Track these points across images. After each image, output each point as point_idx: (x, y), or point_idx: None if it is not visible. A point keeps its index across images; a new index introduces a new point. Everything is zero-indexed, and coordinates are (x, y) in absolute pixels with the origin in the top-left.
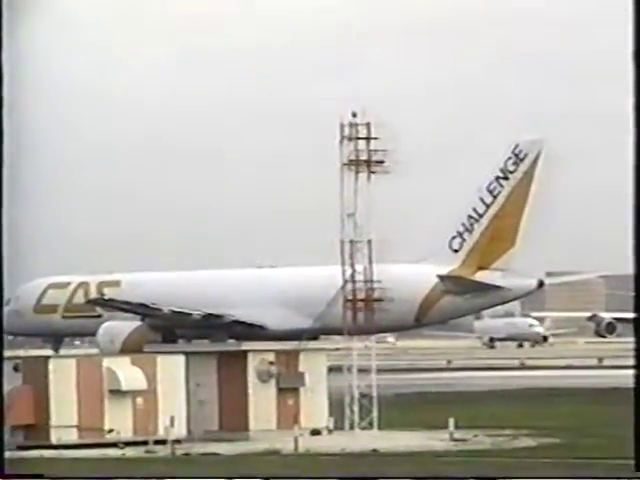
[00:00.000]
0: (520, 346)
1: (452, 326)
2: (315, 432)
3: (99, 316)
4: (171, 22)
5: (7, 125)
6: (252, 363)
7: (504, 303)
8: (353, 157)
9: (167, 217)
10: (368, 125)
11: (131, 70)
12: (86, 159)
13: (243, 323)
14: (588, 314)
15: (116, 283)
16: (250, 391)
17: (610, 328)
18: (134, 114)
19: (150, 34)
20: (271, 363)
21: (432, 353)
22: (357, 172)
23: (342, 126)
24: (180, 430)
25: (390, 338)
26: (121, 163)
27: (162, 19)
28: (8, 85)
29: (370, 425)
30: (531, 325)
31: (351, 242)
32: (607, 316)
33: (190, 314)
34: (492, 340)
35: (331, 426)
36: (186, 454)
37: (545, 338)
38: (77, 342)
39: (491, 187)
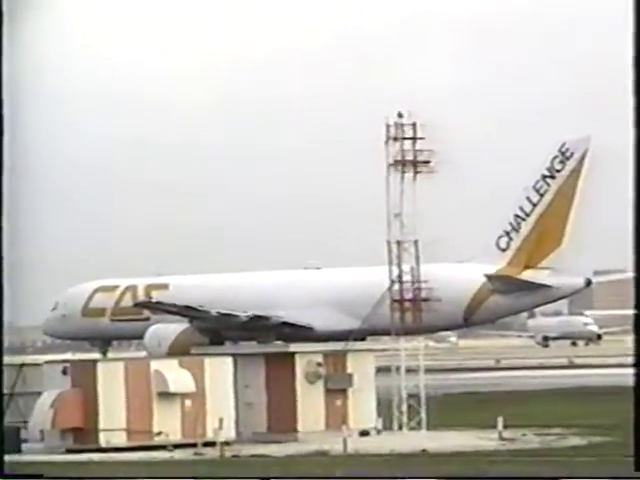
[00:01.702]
0: (574, 344)
1: (506, 325)
2: (364, 433)
3: (147, 319)
4: (171, 23)
5: (7, 125)
6: (300, 364)
7: (552, 302)
8: (399, 157)
9: (206, 217)
10: (414, 125)
11: (131, 71)
12: (86, 159)
13: (290, 324)
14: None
15: (164, 286)
16: (298, 392)
17: None
18: (135, 114)
19: (150, 35)
20: (319, 364)
21: (483, 352)
22: (403, 172)
23: (388, 126)
24: (229, 432)
25: (452, 338)
26: (121, 163)
27: (162, 20)
28: (8, 85)
29: (418, 425)
30: (585, 323)
31: (398, 242)
32: None
33: (237, 316)
34: (546, 339)
35: (379, 427)
36: (235, 456)
37: (599, 336)
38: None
39: (538, 186)
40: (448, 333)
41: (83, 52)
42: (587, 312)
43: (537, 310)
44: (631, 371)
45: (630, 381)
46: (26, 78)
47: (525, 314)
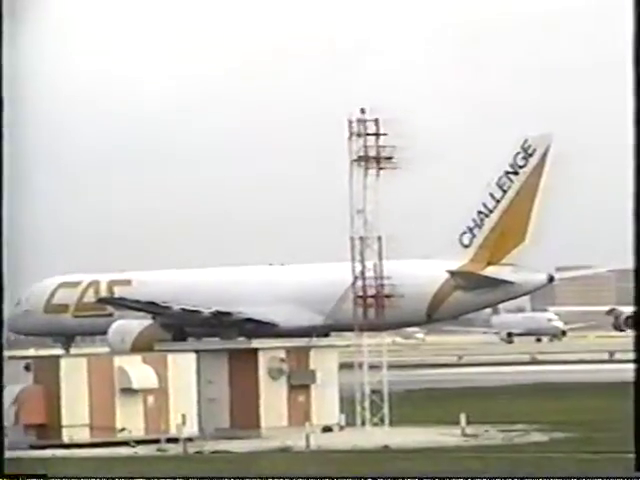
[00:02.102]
0: (538, 340)
1: (472, 321)
2: (326, 429)
3: (110, 315)
4: (172, 23)
5: (7, 124)
6: (263, 360)
7: (514, 298)
8: (362, 153)
9: (179, 217)
10: (377, 121)
11: (131, 71)
12: (86, 159)
13: (253, 320)
14: (606, 308)
15: (127, 282)
16: (261, 388)
17: (629, 322)
18: (135, 114)
19: (150, 36)
20: (282, 360)
21: (445, 349)
22: (366, 168)
23: (350, 122)
24: (192, 428)
25: (419, 334)
26: (121, 163)
27: (162, 20)
28: (8, 85)
29: (381, 421)
30: (549, 319)
31: (361, 238)
32: (626, 310)
33: (200, 312)
34: (510, 335)
35: (342, 423)
36: (198, 452)
37: (564, 332)
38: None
39: (501, 182)
40: (415, 329)
41: (83, 52)
42: (551, 308)
43: (501, 306)
44: (593, 367)
45: (592, 377)
46: (26, 78)
47: (489, 310)
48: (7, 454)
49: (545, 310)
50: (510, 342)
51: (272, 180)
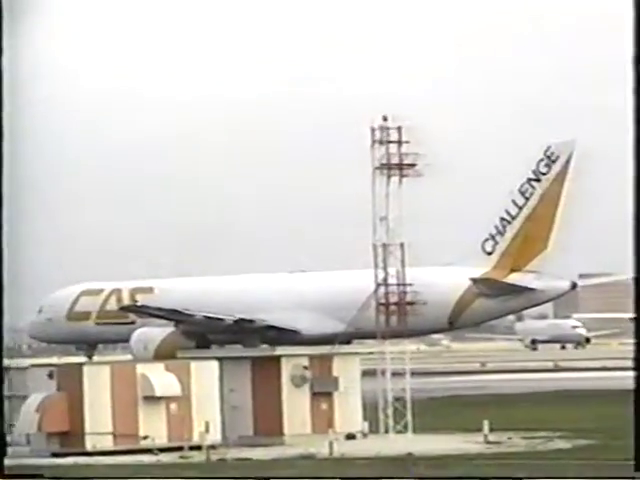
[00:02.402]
0: (563, 348)
1: (497, 328)
2: (350, 436)
3: (132, 323)
4: (172, 24)
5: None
6: (286, 368)
7: (537, 305)
8: (385, 161)
9: (195, 226)
10: (399, 129)
11: (131, 71)
12: (86, 159)
13: (276, 328)
14: (630, 315)
15: (149, 290)
16: (284, 396)
17: None
18: (135, 113)
19: (150, 35)
20: (305, 368)
21: (473, 355)
22: (389, 176)
23: (373, 130)
24: (215, 436)
25: (444, 341)
26: (121, 161)
27: (162, 20)
28: (8, 85)
29: (405, 429)
30: (574, 326)
31: (383, 246)
32: None
33: (223, 319)
34: (534, 342)
35: (366, 430)
36: (221, 460)
37: (588, 340)
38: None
39: (523, 189)
40: (440, 337)
41: (82, 52)
42: (574, 315)
43: (525, 313)
44: (615, 374)
45: (615, 384)
46: (25, 79)
47: (513, 317)
48: (29, 461)
49: (569, 317)
50: (534, 349)
51: (294, 187)
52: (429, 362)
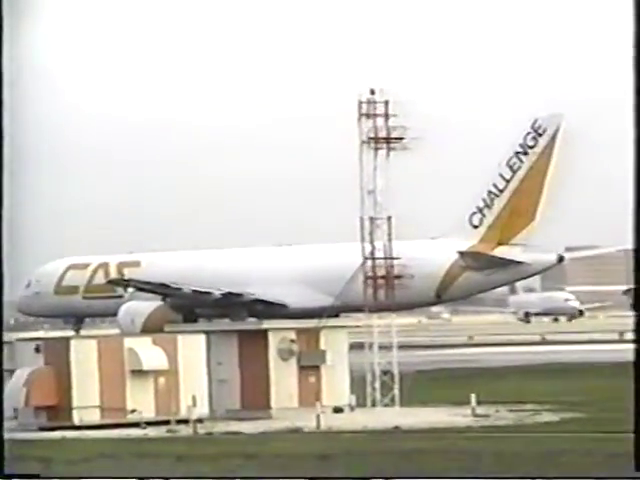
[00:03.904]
0: (556, 320)
1: (500, 301)
2: (337, 410)
3: (120, 296)
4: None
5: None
6: (273, 341)
7: (524, 278)
8: (372, 134)
9: (183, 196)
10: (386, 103)
11: (132, 70)
12: (87, 158)
13: (263, 301)
14: (620, 287)
15: (136, 263)
16: (271, 369)
17: None
18: (134, 112)
19: (151, 34)
20: (292, 341)
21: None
22: (376, 149)
23: (360, 103)
24: (202, 409)
25: (445, 314)
26: (121, 161)
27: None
28: (8, 85)
29: (392, 402)
30: (567, 299)
31: (371, 219)
32: None
33: (210, 293)
34: (527, 315)
35: (353, 403)
36: (208, 433)
37: (581, 312)
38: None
39: (511, 162)
40: (440, 310)
41: (82, 54)
42: (568, 288)
43: (519, 286)
44: (602, 347)
45: (603, 357)
46: (25, 79)
47: (507, 290)
48: (15, 435)
49: (562, 289)
50: (527, 322)
51: (282, 161)
52: (424, 335)
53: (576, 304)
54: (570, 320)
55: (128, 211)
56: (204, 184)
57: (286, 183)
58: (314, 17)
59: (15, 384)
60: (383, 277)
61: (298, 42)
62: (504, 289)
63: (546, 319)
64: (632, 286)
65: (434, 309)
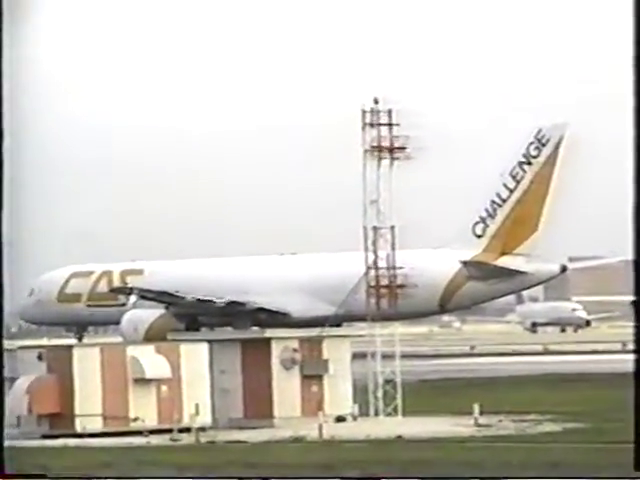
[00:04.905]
0: (563, 331)
1: (496, 311)
2: (340, 419)
3: (123, 305)
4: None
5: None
6: (276, 350)
7: (527, 288)
8: (375, 144)
9: (190, 205)
10: (390, 112)
11: (133, 69)
12: (87, 157)
13: (266, 310)
14: (627, 298)
15: (139, 271)
16: (274, 378)
17: None
18: (134, 111)
19: (152, 34)
20: (295, 350)
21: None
22: (379, 159)
23: (364, 112)
24: (205, 418)
25: (456, 323)
26: (121, 160)
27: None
28: (8, 85)
29: (395, 411)
30: (574, 309)
31: (374, 228)
32: None
33: (213, 302)
34: (534, 325)
35: (356, 413)
36: (211, 442)
37: (588, 322)
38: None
39: (514, 172)
40: (452, 319)
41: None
42: (574, 298)
43: (525, 296)
44: (604, 358)
45: (605, 368)
46: (26, 78)
47: (514, 300)
48: (17, 443)
49: (569, 300)
50: (534, 332)
51: (285, 170)
52: (431, 345)
53: (583, 314)
54: (576, 330)
55: (130, 218)
56: (202, 193)
57: (289, 191)
58: (316, 26)
59: (17, 392)
60: (386, 286)
61: (301, 50)
62: (511, 298)
63: (550, 329)
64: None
65: (445, 318)
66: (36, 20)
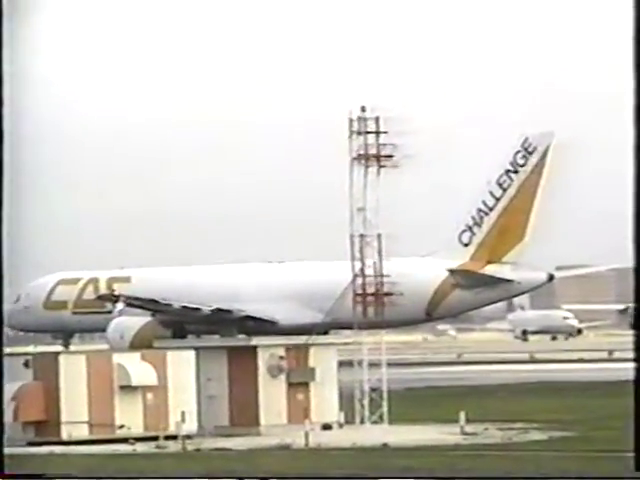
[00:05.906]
0: (554, 339)
1: (488, 320)
2: (326, 427)
3: (109, 312)
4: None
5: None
6: (262, 358)
7: (514, 297)
8: (362, 151)
9: (176, 215)
10: (377, 119)
11: (133, 69)
12: (87, 157)
13: (253, 318)
14: (617, 306)
15: (126, 279)
16: (260, 386)
17: None
18: (134, 111)
19: (152, 33)
20: (281, 358)
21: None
22: (366, 166)
23: (351, 120)
24: (191, 425)
25: (452, 331)
26: (122, 159)
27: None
28: (8, 85)
29: (381, 419)
30: (565, 317)
31: (361, 236)
32: None
33: (200, 309)
34: (525, 333)
35: (342, 420)
36: (197, 449)
37: (579, 331)
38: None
39: (501, 180)
40: (446, 327)
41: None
42: (564, 306)
43: (516, 303)
44: (590, 366)
45: (590, 376)
46: (26, 78)
47: (505, 308)
48: (5, 450)
49: (559, 308)
50: (525, 340)
51: (272, 178)
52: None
53: (574, 322)
54: (567, 338)
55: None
56: (175, 197)
57: (276, 199)
58: (304, 33)
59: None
60: (373, 294)
61: (286, 57)
62: (502, 306)
63: (537, 337)
64: (628, 305)
65: (440, 326)
66: (36, 20)
